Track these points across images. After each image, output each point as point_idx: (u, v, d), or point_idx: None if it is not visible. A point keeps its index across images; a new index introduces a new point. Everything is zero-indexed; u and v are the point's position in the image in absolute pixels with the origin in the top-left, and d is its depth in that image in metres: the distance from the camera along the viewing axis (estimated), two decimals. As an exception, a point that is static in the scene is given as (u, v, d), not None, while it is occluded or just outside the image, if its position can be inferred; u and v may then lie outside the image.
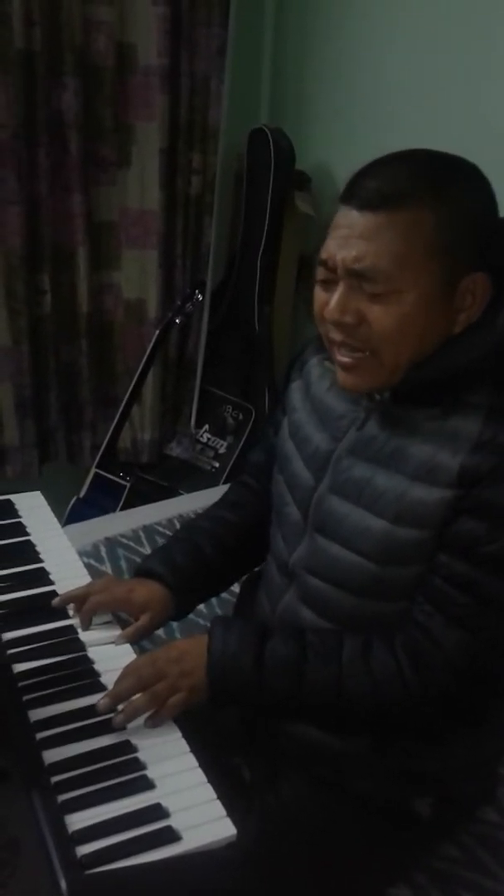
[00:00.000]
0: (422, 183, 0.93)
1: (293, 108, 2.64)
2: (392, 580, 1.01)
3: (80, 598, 1.17)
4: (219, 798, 0.91)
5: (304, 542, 1.11)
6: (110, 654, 1.12)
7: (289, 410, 1.20)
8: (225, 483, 2.66)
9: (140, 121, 2.37)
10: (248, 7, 2.52)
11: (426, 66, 2.17)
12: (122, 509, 2.50)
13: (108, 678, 1.07)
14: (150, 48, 2.29)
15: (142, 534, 2.16)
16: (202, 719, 1.06)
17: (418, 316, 0.94)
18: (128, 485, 2.53)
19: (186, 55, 2.36)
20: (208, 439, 2.76)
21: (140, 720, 1.01)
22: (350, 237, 0.93)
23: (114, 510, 2.51)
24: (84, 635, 1.15)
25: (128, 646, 1.13)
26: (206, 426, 2.77)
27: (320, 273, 0.98)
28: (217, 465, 2.73)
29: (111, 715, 1.01)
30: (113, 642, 1.14)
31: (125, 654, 1.12)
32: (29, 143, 2.21)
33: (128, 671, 1.03)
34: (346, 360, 0.99)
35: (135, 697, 1.00)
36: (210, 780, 0.93)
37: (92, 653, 1.12)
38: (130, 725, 1.00)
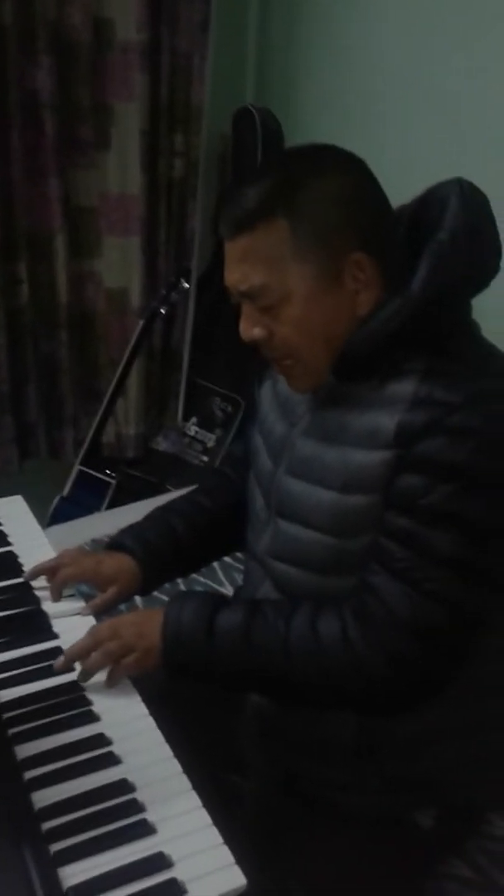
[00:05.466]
0: (269, 196, 0.98)
1: (280, 87, 2.54)
2: (352, 552, 1.03)
3: (50, 570, 1.21)
4: (216, 824, 0.85)
5: (268, 530, 1.13)
6: (74, 626, 1.13)
7: (259, 408, 1.23)
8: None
9: (119, 100, 2.28)
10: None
11: (421, 44, 2.08)
12: (108, 507, 2.42)
13: (100, 706, 1.00)
14: (129, 23, 2.20)
15: (129, 534, 2.08)
16: (196, 740, 1.03)
17: (313, 312, 1.00)
18: (114, 482, 2.44)
19: (167, 31, 2.27)
20: (196, 432, 2.69)
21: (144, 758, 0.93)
22: (230, 262, 1.02)
23: (99, 508, 2.42)
24: (52, 607, 1.18)
25: (92, 619, 1.16)
26: (194, 419, 2.69)
27: (231, 298, 1.05)
28: (206, 458, 2.66)
29: (106, 749, 0.93)
30: (79, 613, 1.17)
31: (88, 626, 1.12)
32: (1, 125, 2.11)
33: (87, 633, 1.07)
34: (280, 369, 1.07)
35: (90, 656, 1.03)
36: (205, 803, 0.88)
37: (57, 624, 1.14)
38: (128, 759, 0.93)
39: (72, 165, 2.28)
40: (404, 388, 0.98)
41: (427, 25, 2.05)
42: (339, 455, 1.02)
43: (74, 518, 2.26)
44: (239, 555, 2.08)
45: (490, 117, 1.89)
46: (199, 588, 1.98)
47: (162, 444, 2.72)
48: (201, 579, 1.99)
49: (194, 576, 1.86)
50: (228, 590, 1.98)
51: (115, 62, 2.23)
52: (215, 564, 1.94)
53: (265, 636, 1.02)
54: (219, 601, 1.07)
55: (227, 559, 2.01)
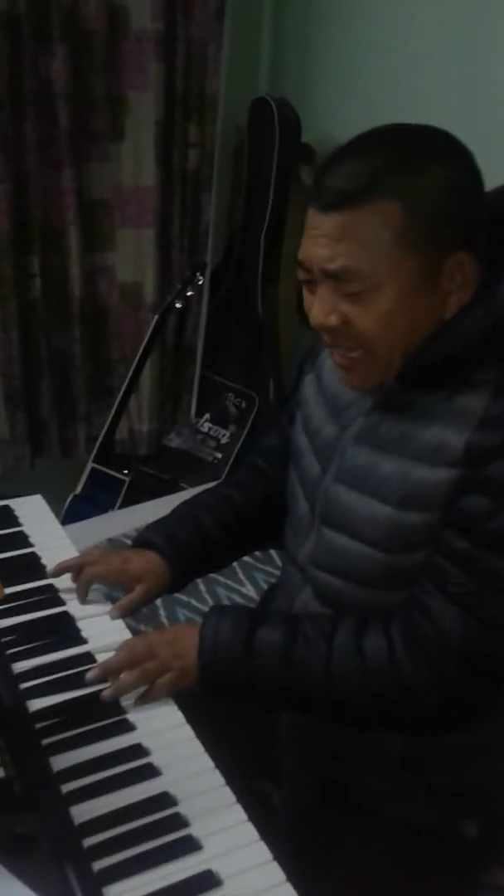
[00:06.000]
0: (383, 173, 0.88)
1: (296, 76, 2.50)
2: (403, 568, 0.98)
3: (75, 568, 1.17)
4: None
5: (311, 536, 1.08)
6: (103, 631, 1.10)
7: (301, 404, 1.17)
8: (228, 475, 2.56)
9: (133, 90, 2.24)
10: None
11: (441, 32, 2.04)
12: (121, 505, 2.39)
13: (136, 715, 0.97)
14: (144, 11, 2.15)
15: (146, 532, 2.05)
16: (230, 746, 0.98)
17: (402, 308, 0.91)
18: (127, 480, 2.40)
19: (182, 19, 2.22)
20: (209, 429, 2.65)
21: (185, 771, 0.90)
22: (320, 237, 0.91)
23: (112, 506, 2.39)
24: (78, 609, 1.14)
25: (121, 623, 1.12)
26: (207, 415, 2.66)
27: (301, 274, 0.96)
28: (219, 455, 2.62)
29: (145, 761, 0.90)
30: (107, 615, 1.13)
31: (118, 631, 1.10)
32: (15, 116, 2.08)
33: (121, 647, 1.03)
34: (342, 361, 0.98)
35: (124, 674, 0.99)
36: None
37: (85, 628, 1.10)
38: (167, 770, 0.89)
39: (86, 157, 2.24)
40: (475, 402, 0.92)
41: (451, 11, 2.01)
42: (397, 468, 0.96)
43: (88, 516, 2.24)
44: (259, 554, 2.07)
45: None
46: (219, 588, 1.95)
47: (175, 441, 2.68)
48: (221, 579, 1.96)
49: (213, 575, 1.83)
50: (249, 590, 1.96)
51: (129, 51, 2.19)
52: (235, 564, 1.91)
53: (306, 654, 0.98)
54: (256, 618, 1.03)
55: (247, 558, 1.99)
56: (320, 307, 0.93)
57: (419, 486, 0.93)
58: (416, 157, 0.90)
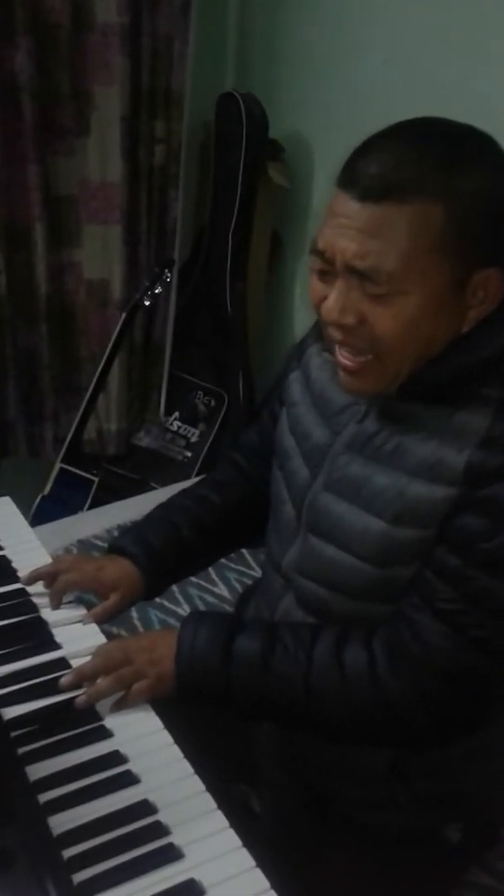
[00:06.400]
0: (431, 170, 0.82)
1: (262, 71, 2.48)
2: (392, 581, 0.95)
3: (48, 576, 1.14)
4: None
5: (296, 543, 1.05)
6: (77, 636, 1.08)
7: (287, 403, 1.12)
8: (198, 474, 2.54)
9: (99, 85, 2.20)
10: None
11: (410, 27, 2.04)
12: (91, 505, 2.36)
13: (113, 721, 0.95)
14: (109, 5, 2.12)
15: (116, 534, 2.02)
16: (208, 749, 0.96)
17: (424, 318, 0.86)
18: (96, 480, 2.37)
19: (148, 13, 2.19)
20: (179, 427, 2.63)
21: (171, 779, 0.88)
22: (350, 228, 0.84)
23: (82, 507, 2.36)
24: (51, 615, 1.11)
25: (96, 628, 1.10)
26: (177, 413, 2.64)
27: (316, 262, 0.89)
28: (189, 454, 2.60)
29: (123, 768, 0.88)
30: (80, 622, 1.10)
31: (92, 636, 1.08)
32: (-22, 110, 2.03)
33: (97, 652, 1.01)
34: (347, 363, 0.92)
35: (99, 680, 0.97)
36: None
37: (58, 634, 1.08)
38: (147, 777, 0.88)
39: (51, 152, 2.20)
40: (477, 420, 0.88)
41: (417, 6, 2.00)
42: (392, 482, 0.92)
43: (57, 517, 2.20)
44: (231, 554, 2.05)
45: (486, 102, 1.85)
46: (191, 588, 1.93)
47: (144, 440, 2.66)
48: (193, 579, 1.94)
49: (185, 575, 1.82)
50: (222, 589, 1.94)
51: (94, 45, 2.15)
52: (207, 563, 1.89)
53: (285, 665, 0.96)
54: (234, 625, 1.00)
55: (220, 558, 1.97)
56: (337, 302, 0.87)
57: (415, 503, 0.90)
58: (465, 159, 0.84)
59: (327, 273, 0.88)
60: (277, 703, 0.97)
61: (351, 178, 0.84)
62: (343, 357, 0.92)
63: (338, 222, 0.85)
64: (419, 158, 0.82)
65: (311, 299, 0.93)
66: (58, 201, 2.27)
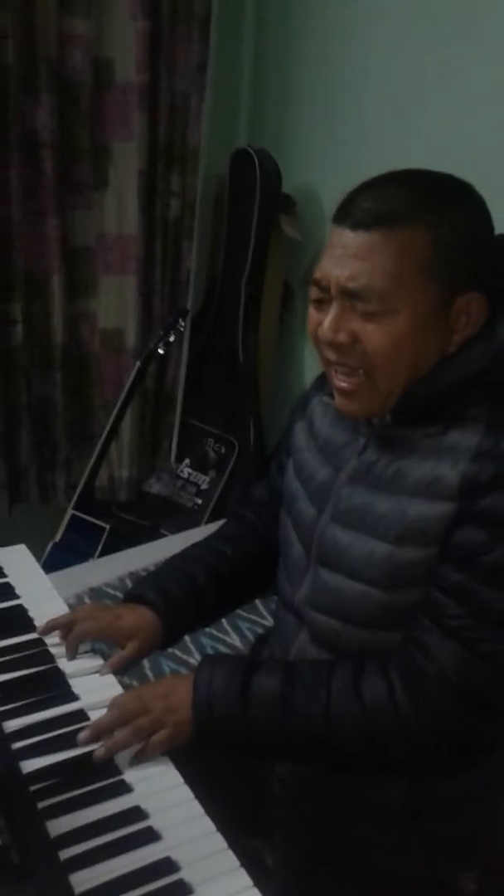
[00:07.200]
0: (417, 202, 0.91)
1: (274, 127, 2.55)
2: (401, 606, 0.97)
3: (65, 626, 1.14)
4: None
5: (307, 578, 1.07)
6: (94, 686, 1.06)
7: (293, 451, 1.17)
8: (208, 521, 2.54)
9: (118, 140, 2.26)
10: (227, 21, 2.42)
11: (413, 84, 2.09)
12: (101, 552, 2.35)
13: (132, 775, 0.93)
14: (129, 63, 2.19)
15: (128, 581, 2.05)
16: (220, 802, 0.95)
17: (412, 336, 0.93)
18: (107, 527, 2.37)
19: (166, 71, 2.26)
20: (189, 474, 2.64)
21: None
22: (344, 256, 0.92)
23: (92, 554, 2.35)
24: (68, 666, 1.10)
25: (113, 679, 1.08)
26: (187, 461, 2.65)
27: (314, 293, 0.97)
28: (199, 501, 2.60)
29: (144, 825, 0.86)
30: (97, 672, 1.09)
31: (110, 686, 1.07)
32: (0, 164, 2.08)
33: (112, 704, 1.00)
34: (342, 384, 0.98)
35: (116, 732, 0.96)
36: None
37: (76, 685, 1.07)
38: (168, 834, 0.86)
39: (70, 205, 2.25)
40: (467, 438, 0.93)
41: (422, 64, 2.06)
42: (394, 505, 0.96)
43: (68, 564, 2.20)
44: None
45: (491, 155, 1.89)
46: (203, 638, 1.92)
47: (154, 487, 2.66)
48: (204, 629, 1.93)
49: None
50: (234, 639, 1.93)
51: (114, 102, 2.22)
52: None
53: (303, 700, 0.96)
54: (250, 666, 1.00)
55: (231, 607, 1.96)
56: (331, 323, 0.94)
57: (416, 522, 0.94)
58: (449, 197, 0.93)
59: (322, 301, 0.96)
60: (297, 738, 0.97)
61: (346, 212, 0.93)
62: (338, 380, 0.98)
63: (333, 253, 0.93)
64: (408, 194, 0.92)
65: (308, 329, 1.00)
66: (75, 253, 2.32)
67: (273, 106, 2.55)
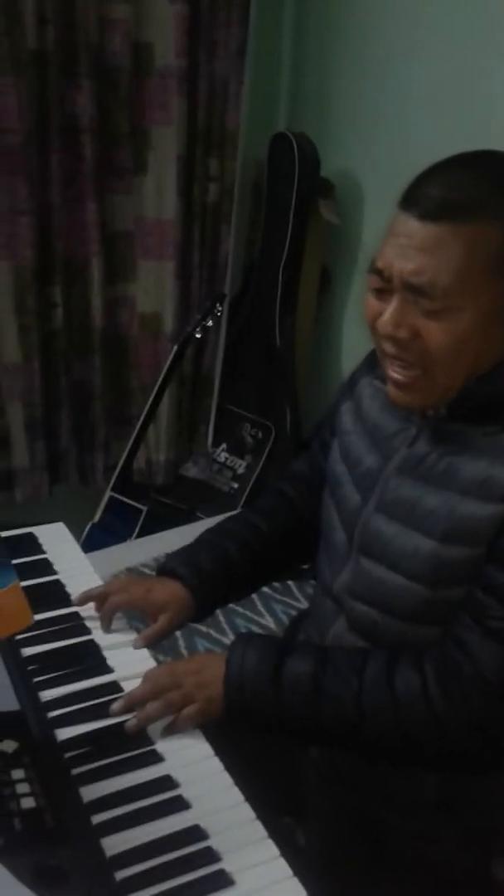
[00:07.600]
0: (490, 193, 0.87)
1: (313, 111, 2.53)
2: (442, 602, 0.96)
3: (99, 598, 1.16)
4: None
5: (348, 566, 1.06)
6: (128, 659, 1.09)
7: (339, 433, 1.15)
8: (244, 506, 2.56)
9: (157, 125, 2.27)
10: (266, 4, 2.42)
11: (457, 66, 2.06)
12: (138, 534, 2.38)
13: (164, 746, 0.96)
14: (168, 48, 2.19)
15: (164, 562, 2.04)
16: (253, 779, 0.96)
17: (475, 335, 0.89)
18: (144, 509, 2.40)
19: (205, 56, 2.26)
20: (226, 459, 2.65)
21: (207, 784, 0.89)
22: (409, 247, 0.88)
23: (130, 535, 2.38)
24: (104, 639, 1.13)
25: (147, 653, 1.11)
26: (224, 445, 2.66)
27: (374, 281, 0.93)
28: (235, 486, 2.62)
29: (175, 793, 0.89)
30: (130, 645, 1.12)
31: (143, 660, 1.10)
32: (41, 150, 2.11)
33: (146, 677, 1.02)
34: (398, 377, 0.95)
35: (149, 705, 0.97)
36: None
37: (111, 657, 1.09)
38: (197, 803, 0.88)
39: (109, 190, 2.27)
40: None
41: (461, 48, 2.03)
42: (443, 501, 0.94)
43: (106, 545, 2.23)
44: (277, 585, 2.06)
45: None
46: (237, 619, 1.94)
47: (191, 471, 2.68)
48: (240, 609, 1.95)
49: (231, 605, 1.83)
50: (268, 621, 1.95)
51: (153, 87, 2.23)
52: (254, 595, 1.90)
53: (336, 687, 0.96)
54: (284, 647, 1.01)
55: (265, 590, 1.98)
56: (392, 317, 0.91)
57: (465, 521, 0.92)
58: None
59: (384, 291, 0.92)
60: (327, 724, 0.97)
61: (413, 199, 0.88)
62: (394, 371, 0.95)
63: (397, 241, 0.89)
64: (478, 183, 0.87)
65: (366, 317, 0.96)
66: (114, 237, 2.34)
67: (313, 90, 2.53)
